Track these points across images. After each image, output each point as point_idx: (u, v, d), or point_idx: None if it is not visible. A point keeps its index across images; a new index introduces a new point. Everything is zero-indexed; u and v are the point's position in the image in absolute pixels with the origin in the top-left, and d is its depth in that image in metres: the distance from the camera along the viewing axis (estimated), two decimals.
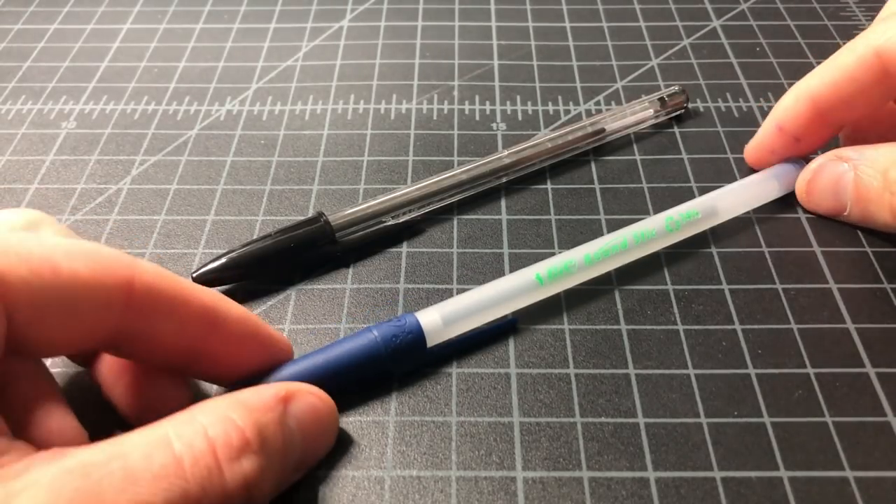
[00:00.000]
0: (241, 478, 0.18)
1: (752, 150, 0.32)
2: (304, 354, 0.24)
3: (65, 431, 0.20)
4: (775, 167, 0.31)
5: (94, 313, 0.19)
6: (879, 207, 0.27)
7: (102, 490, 0.16)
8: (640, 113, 0.34)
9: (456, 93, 0.37)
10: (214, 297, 0.21)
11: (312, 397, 0.21)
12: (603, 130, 0.33)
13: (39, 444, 0.18)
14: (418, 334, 0.24)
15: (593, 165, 0.33)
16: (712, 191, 0.30)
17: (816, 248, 0.29)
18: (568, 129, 0.33)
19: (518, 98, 0.37)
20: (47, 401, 0.20)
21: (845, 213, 0.29)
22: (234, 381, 0.23)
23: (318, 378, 0.23)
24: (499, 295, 0.26)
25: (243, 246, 0.28)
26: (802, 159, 0.31)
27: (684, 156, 0.33)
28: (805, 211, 0.30)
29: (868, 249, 0.29)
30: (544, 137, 0.32)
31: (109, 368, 0.22)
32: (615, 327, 0.26)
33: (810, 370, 0.25)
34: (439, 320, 0.25)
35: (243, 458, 0.18)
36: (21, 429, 0.19)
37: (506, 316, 0.26)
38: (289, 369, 0.23)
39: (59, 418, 0.20)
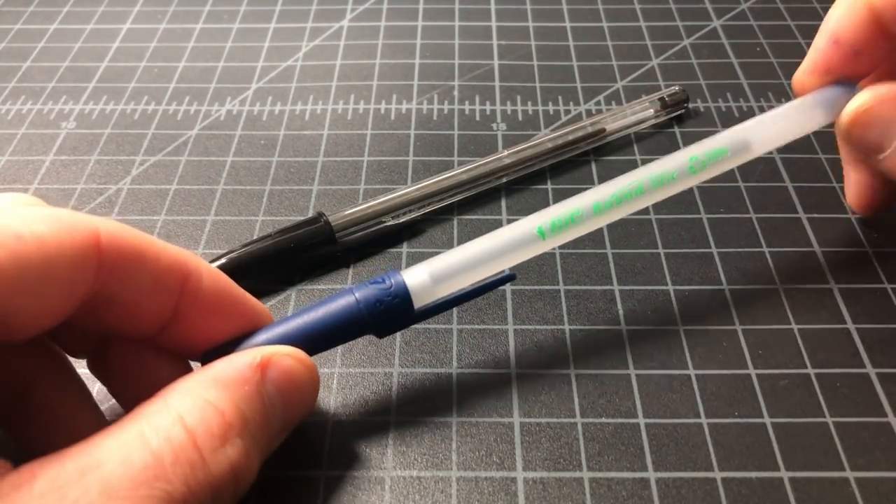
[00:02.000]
0: (227, 466, 0.17)
1: (803, 73, 0.27)
2: (281, 318, 0.22)
3: (92, 426, 0.19)
4: (818, 92, 0.27)
5: (68, 275, 0.17)
6: None
7: None
8: (640, 113, 0.34)
9: (456, 93, 0.37)
10: (184, 252, 0.20)
11: (290, 360, 0.20)
12: (603, 130, 0.33)
13: (67, 441, 0.17)
14: (404, 298, 0.22)
15: (593, 165, 0.33)
16: (741, 124, 0.26)
17: (816, 248, 0.29)
18: (568, 129, 0.33)
19: (518, 98, 0.37)
20: (73, 396, 0.20)
21: (881, 157, 0.25)
22: (207, 350, 0.21)
23: (296, 343, 0.21)
24: (495, 249, 0.23)
25: (243, 246, 0.28)
26: (853, 83, 0.27)
27: None
28: (805, 211, 0.30)
29: (868, 249, 0.29)
30: (544, 137, 0.32)
31: (108, 360, 0.22)
32: (615, 327, 0.26)
33: (810, 370, 0.25)
34: (428, 279, 0.23)
35: (227, 445, 0.17)
36: (49, 425, 0.19)
37: (503, 271, 0.24)
38: (264, 335, 0.22)
39: (86, 413, 0.20)
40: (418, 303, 0.23)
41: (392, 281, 0.22)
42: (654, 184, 0.24)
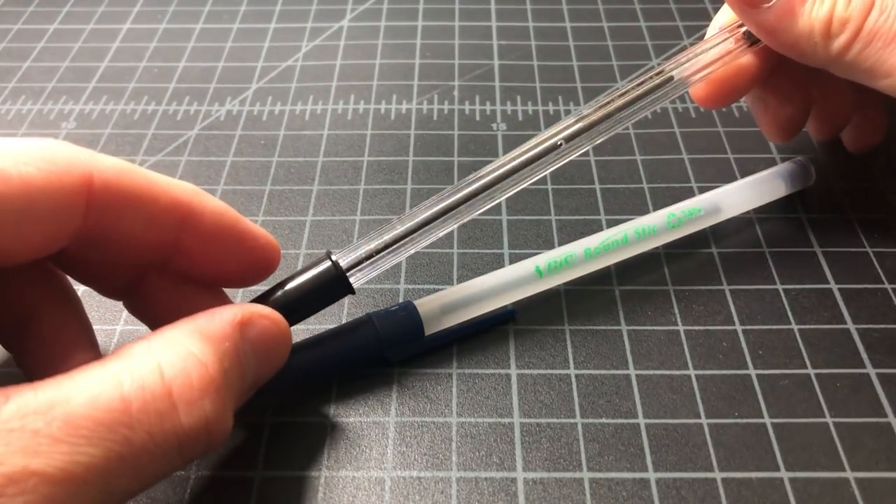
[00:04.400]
0: (202, 419, 0.17)
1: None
2: (303, 339, 0.24)
3: (86, 363, 0.18)
4: (781, 166, 0.30)
5: (53, 217, 0.18)
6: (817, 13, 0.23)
7: (38, 442, 0.14)
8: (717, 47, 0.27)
9: (456, 93, 0.37)
10: (187, 190, 0.21)
11: (266, 321, 0.20)
12: (671, 79, 0.26)
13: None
14: (416, 323, 0.24)
15: (593, 165, 0.33)
16: (714, 189, 0.30)
17: (816, 248, 0.29)
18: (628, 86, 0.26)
19: (518, 98, 0.37)
20: (73, 332, 0.21)
21: (767, 6, 0.24)
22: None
23: (316, 362, 0.24)
24: (498, 286, 0.26)
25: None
26: (807, 160, 0.30)
27: (684, 156, 0.33)
28: (806, 211, 0.30)
29: (868, 249, 0.29)
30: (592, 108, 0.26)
31: (144, 300, 0.22)
32: (615, 327, 0.26)
33: (810, 370, 0.25)
34: (438, 310, 0.25)
35: (206, 399, 0.17)
36: (46, 358, 0.20)
37: (505, 306, 0.26)
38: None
39: (84, 351, 0.20)
40: (429, 330, 0.25)
41: (405, 308, 0.25)
42: (638, 235, 0.27)
